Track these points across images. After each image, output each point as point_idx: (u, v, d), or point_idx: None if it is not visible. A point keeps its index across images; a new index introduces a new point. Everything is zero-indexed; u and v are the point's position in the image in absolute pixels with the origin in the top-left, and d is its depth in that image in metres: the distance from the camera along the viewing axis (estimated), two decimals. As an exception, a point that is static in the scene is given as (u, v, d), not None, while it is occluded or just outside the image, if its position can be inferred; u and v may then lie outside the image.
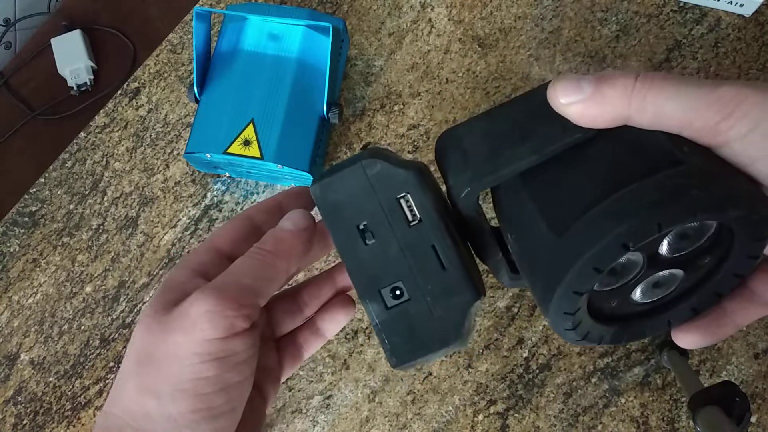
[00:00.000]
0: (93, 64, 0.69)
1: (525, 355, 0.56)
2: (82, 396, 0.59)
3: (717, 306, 0.30)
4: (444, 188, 0.32)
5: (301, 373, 0.58)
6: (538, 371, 0.56)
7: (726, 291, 0.29)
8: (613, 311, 0.31)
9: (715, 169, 0.25)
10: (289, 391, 0.58)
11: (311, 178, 0.58)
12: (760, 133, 0.23)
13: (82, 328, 0.61)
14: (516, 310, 0.57)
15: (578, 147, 0.27)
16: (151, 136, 0.66)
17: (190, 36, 0.68)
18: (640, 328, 0.31)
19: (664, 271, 0.29)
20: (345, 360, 0.58)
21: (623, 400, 0.55)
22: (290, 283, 0.36)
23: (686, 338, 0.30)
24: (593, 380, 0.55)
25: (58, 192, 0.65)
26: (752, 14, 0.62)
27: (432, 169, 0.33)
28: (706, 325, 0.29)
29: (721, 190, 0.24)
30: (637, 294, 0.30)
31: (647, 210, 0.23)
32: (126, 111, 0.67)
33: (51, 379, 0.60)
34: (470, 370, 0.57)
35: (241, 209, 0.62)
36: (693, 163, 0.25)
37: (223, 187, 0.63)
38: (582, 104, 0.24)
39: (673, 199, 0.24)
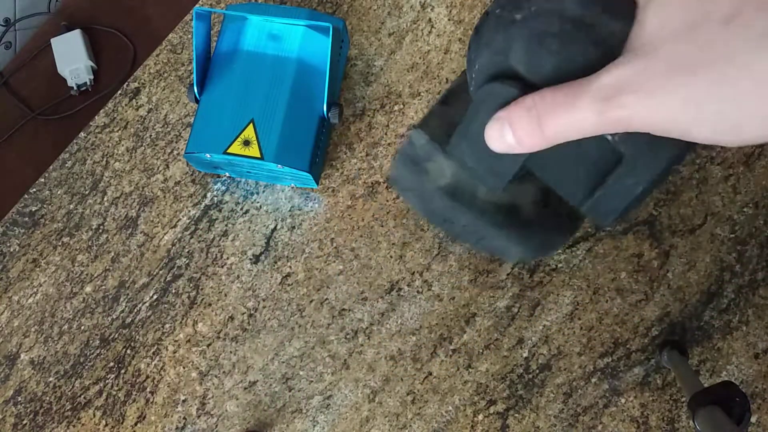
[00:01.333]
0: (93, 64, 0.69)
1: (525, 355, 0.56)
2: (82, 396, 0.59)
3: None
4: None
5: (301, 373, 0.58)
6: (538, 371, 0.56)
7: None
8: None
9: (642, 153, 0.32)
10: (289, 391, 0.58)
11: (311, 178, 0.58)
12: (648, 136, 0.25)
13: (82, 328, 0.61)
14: (516, 310, 0.57)
15: None
16: (151, 136, 0.66)
17: (190, 36, 0.68)
18: None
19: None
20: (345, 360, 0.58)
21: (623, 400, 0.55)
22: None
23: None
24: (593, 380, 0.55)
25: (58, 192, 0.65)
26: (752, 14, 0.62)
27: None
28: None
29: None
30: None
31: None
32: (126, 111, 0.67)
33: (51, 379, 0.60)
34: (470, 370, 0.57)
35: (241, 209, 0.62)
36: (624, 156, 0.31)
37: (223, 187, 0.63)
38: (513, 149, 0.27)
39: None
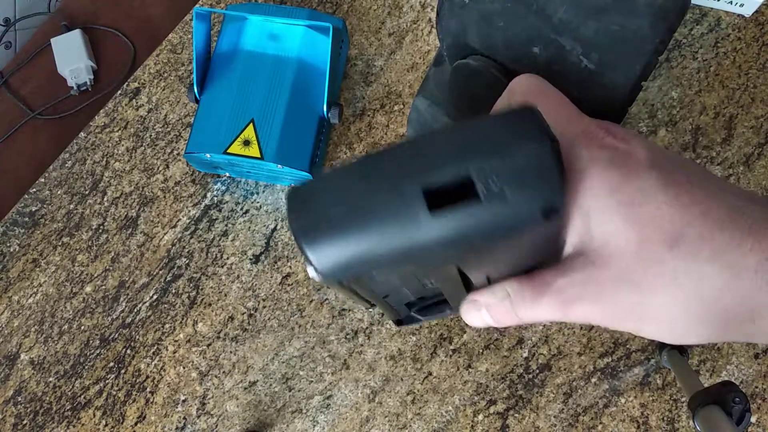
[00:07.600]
0: (93, 64, 0.69)
1: (525, 355, 0.56)
2: (82, 396, 0.59)
3: None
4: None
5: (301, 373, 0.58)
6: (538, 371, 0.56)
7: None
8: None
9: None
10: (289, 391, 0.58)
11: (311, 178, 0.58)
12: None
13: (82, 328, 0.61)
14: (516, 310, 0.57)
15: None
16: (151, 136, 0.66)
17: (190, 36, 0.68)
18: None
19: None
20: (345, 360, 0.58)
21: (623, 400, 0.55)
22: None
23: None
24: (593, 380, 0.55)
25: (58, 192, 0.65)
26: (752, 14, 0.62)
27: None
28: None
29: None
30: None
31: None
32: (126, 111, 0.67)
33: (51, 379, 0.60)
34: (470, 370, 0.57)
35: (241, 209, 0.62)
36: None
37: (223, 187, 0.63)
38: (491, 325, 0.30)
39: None
